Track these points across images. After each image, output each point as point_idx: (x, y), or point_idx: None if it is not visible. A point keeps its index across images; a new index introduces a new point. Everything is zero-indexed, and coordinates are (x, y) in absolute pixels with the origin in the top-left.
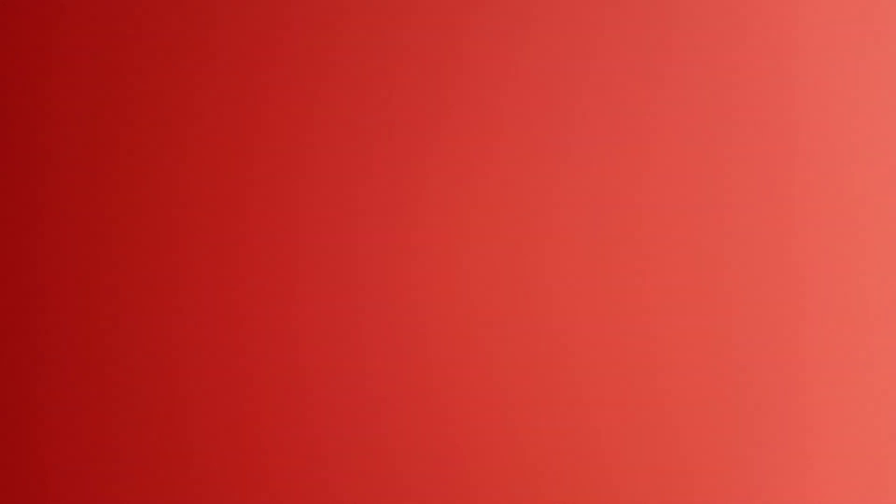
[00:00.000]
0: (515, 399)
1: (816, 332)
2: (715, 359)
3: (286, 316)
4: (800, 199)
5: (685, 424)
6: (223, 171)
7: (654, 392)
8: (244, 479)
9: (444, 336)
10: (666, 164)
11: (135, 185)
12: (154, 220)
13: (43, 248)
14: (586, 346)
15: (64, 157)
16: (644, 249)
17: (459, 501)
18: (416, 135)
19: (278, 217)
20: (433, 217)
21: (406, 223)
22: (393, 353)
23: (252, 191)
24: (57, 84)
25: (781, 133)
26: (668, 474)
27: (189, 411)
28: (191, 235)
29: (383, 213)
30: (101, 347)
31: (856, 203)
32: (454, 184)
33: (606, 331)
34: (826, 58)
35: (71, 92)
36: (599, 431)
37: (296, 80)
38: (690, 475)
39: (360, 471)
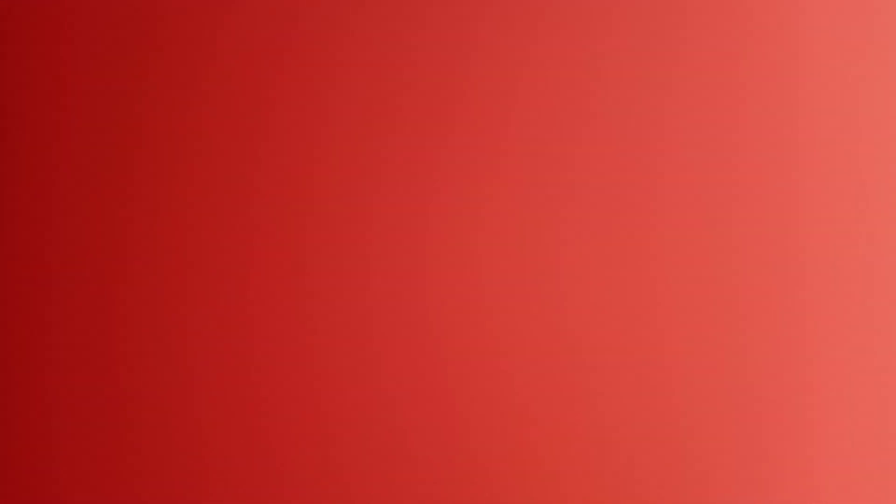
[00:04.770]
0: (526, 400)
1: (825, 333)
2: (723, 360)
3: (298, 319)
4: (808, 202)
5: (694, 424)
6: (235, 171)
7: (663, 392)
8: (256, 481)
9: (457, 338)
10: (675, 168)
11: (148, 186)
12: (166, 221)
13: (53, 249)
14: (597, 346)
15: (76, 159)
16: (653, 251)
17: (473, 502)
18: (427, 137)
19: (291, 219)
20: (445, 219)
21: (418, 224)
22: (405, 356)
23: (264, 192)
24: (65, 85)
25: (789, 137)
26: (677, 473)
27: (200, 414)
28: (203, 237)
29: (395, 215)
30: (112, 349)
31: (864, 205)
32: (466, 185)
33: (616, 331)
34: (834, 60)
35: (80, 92)
36: (609, 431)
37: (310, 81)
38: (699, 474)
39: (373, 473)
